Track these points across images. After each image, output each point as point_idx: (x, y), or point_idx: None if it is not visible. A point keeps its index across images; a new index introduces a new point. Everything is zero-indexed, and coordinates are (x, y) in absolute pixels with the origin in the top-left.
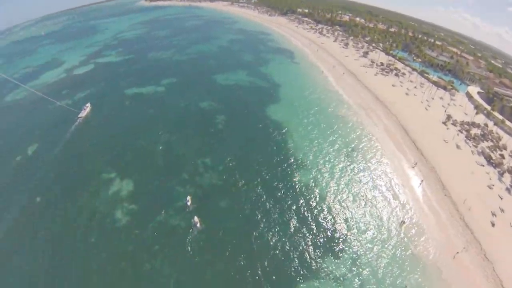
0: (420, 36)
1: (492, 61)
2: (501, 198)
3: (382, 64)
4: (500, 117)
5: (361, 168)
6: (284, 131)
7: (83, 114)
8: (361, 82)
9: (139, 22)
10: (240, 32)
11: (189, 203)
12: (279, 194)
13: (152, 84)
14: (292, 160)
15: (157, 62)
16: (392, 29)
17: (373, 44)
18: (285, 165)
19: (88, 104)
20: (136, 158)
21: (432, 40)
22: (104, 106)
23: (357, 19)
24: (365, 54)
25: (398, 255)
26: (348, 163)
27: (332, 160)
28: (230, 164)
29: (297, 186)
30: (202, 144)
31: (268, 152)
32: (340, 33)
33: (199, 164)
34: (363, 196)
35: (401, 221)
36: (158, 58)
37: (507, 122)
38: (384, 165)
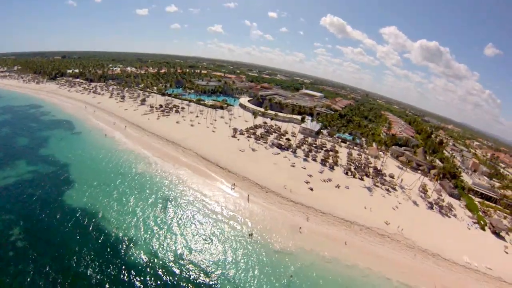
0: (187, 70)
1: (249, 73)
2: (304, 168)
3: (161, 106)
4: (272, 112)
5: (191, 211)
6: (98, 217)
7: None
8: (147, 130)
9: None
10: (6, 111)
11: None
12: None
13: None
14: (121, 245)
15: None
16: (162, 71)
17: (148, 89)
18: (115, 255)
19: None
20: None
21: (199, 71)
22: None
23: (128, 69)
24: (143, 101)
25: (264, 258)
26: (176, 213)
27: (163, 221)
28: None
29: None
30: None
31: (91, 251)
32: (115, 87)
33: None
34: (206, 234)
35: (249, 234)
36: None
37: (280, 114)
38: (208, 198)
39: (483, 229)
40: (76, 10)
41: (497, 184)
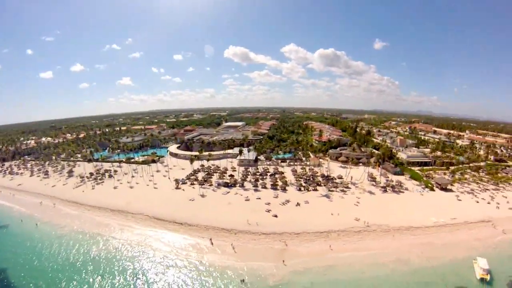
0: (107, 130)
1: (168, 120)
2: (259, 198)
3: (91, 174)
4: (206, 153)
5: (173, 276)
6: None
7: None
8: (86, 204)
9: None
10: None
11: None
12: None
13: None
14: None
15: None
16: (81, 135)
17: (72, 158)
18: None
19: None
20: None
21: (118, 128)
22: None
23: (43, 139)
24: (70, 173)
25: None
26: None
27: None
28: None
29: None
30: None
31: None
32: (33, 162)
33: None
34: None
35: (241, 280)
36: None
37: (214, 153)
38: (182, 258)
39: (432, 190)
40: None
41: (427, 150)
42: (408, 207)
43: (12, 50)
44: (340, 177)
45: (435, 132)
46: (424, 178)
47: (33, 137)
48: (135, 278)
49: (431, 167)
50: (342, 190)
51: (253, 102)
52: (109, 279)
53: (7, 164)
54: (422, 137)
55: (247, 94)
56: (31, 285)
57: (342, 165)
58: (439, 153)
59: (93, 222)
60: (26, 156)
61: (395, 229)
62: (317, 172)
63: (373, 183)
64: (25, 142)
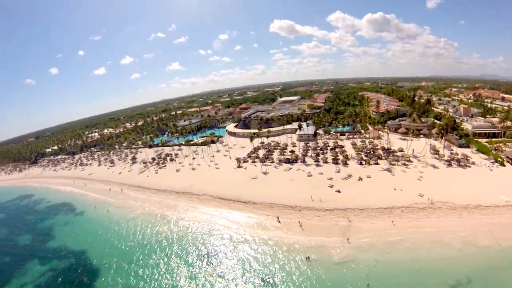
0: (163, 115)
1: (221, 100)
2: (321, 174)
3: (154, 159)
4: (265, 130)
5: (241, 253)
6: None
7: None
8: (152, 188)
9: None
10: None
11: None
12: None
13: None
14: None
15: None
16: (140, 123)
17: (133, 146)
18: None
19: None
20: None
21: (174, 113)
22: None
23: (105, 131)
24: (134, 159)
25: (331, 274)
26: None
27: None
28: None
29: None
30: None
31: None
32: (100, 153)
33: None
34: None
35: (306, 258)
36: None
37: (273, 129)
38: (249, 236)
39: (503, 165)
40: (36, 87)
41: (495, 120)
42: (476, 184)
43: (65, 53)
44: (401, 150)
45: (503, 99)
46: (493, 152)
47: (96, 130)
48: (206, 255)
49: (500, 139)
50: (404, 164)
51: (305, 75)
52: (181, 257)
53: (76, 156)
54: (489, 105)
55: (298, 67)
56: (112, 264)
57: (402, 137)
58: (509, 123)
59: (160, 204)
60: (93, 148)
61: (462, 207)
62: (377, 145)
63: (436, 156)
64: (90, 135)
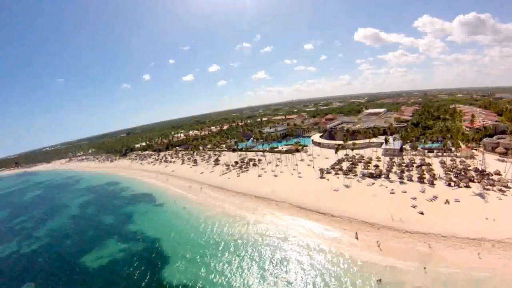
0: (249, 121)
1: (307, 109)
2: (405, 192)
3: (237, 162)
4: (350, 142)
5: (314, 267)
6: None
7: None
8: (232, 190)
9: None
10: (88, 191)
11: None
12: None
13: None
14: None
15: None
16: (225, 127)
17: (217, 149)
18: None
19: None
20: None
21: (259, 119)
22: None
23: (191, 132)
24: (216, 161)
25: None
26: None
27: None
28: None
29: None
30: None
31: None
32: (184, 152)
33: None
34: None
35: (378, 279)
36: None
37: (357, 142)
38: (321, 251)
39: None
40: (130, 91)
41: None
42: None
43: (157, 62)
44: (498, 173)
45: None
46: None
47: (182, 131)
48: (279, 260)
49: None
50: (500, 190)
51: (392, 86)
52: (254, 259)
53: (162, 154)
54: None
55: (385, 78)
56: (185, 254)
57: (500, 158)
58: None
59: (239, 206)
60: (177, 147)
61: None
62: (469, 165)
63: None
64: (176, 136)
